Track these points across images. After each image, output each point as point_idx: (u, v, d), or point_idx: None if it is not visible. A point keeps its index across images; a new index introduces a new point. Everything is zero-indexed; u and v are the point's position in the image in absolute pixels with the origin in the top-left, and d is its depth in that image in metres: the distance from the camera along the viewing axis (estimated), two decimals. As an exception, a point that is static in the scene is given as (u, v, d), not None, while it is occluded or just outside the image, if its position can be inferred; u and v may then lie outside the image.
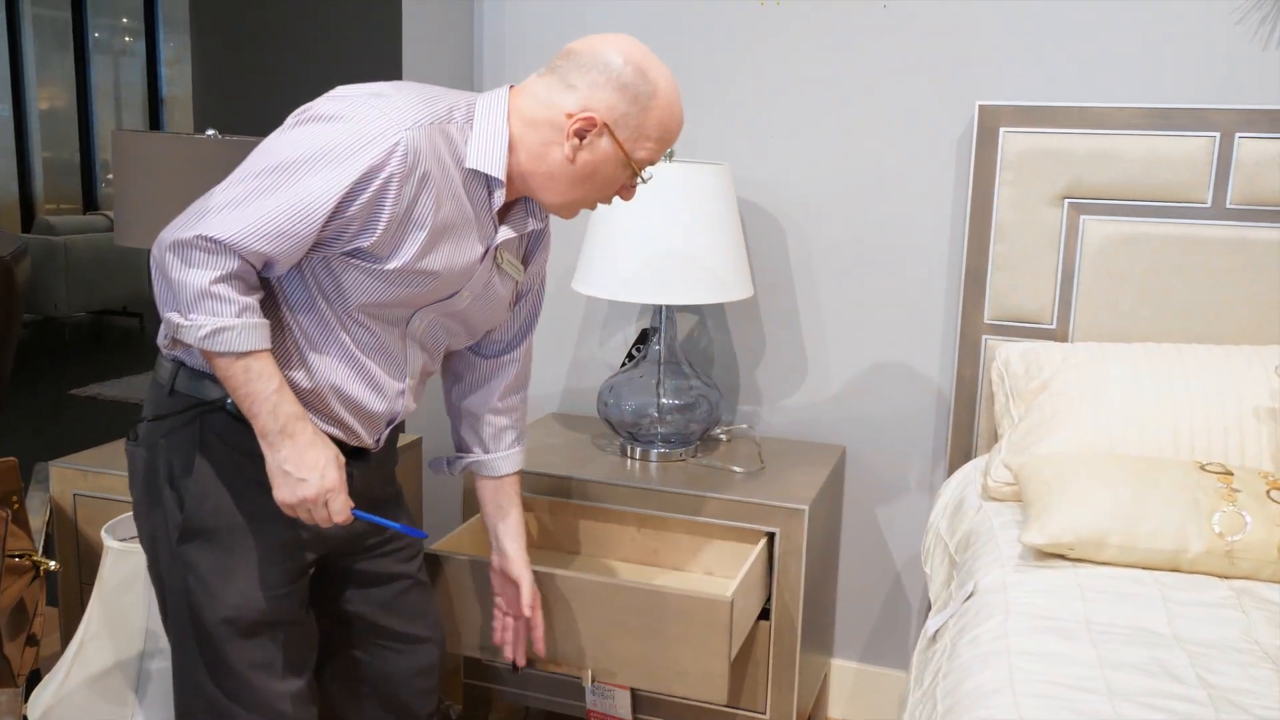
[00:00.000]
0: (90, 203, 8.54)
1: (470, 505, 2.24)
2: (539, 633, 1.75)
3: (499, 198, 1.43)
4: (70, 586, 2.23)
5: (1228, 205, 2.08)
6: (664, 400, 2.27)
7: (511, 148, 1.41)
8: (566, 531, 2.21)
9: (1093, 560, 1.61)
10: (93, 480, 2.18)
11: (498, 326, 1.65)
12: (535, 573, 1.78)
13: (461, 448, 1.74)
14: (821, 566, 2.29)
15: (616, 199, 1.58)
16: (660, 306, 2.28)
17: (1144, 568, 1.59)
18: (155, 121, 8.70)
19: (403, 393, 1.51)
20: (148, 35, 8.26)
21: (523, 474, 2.20)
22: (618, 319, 2.62)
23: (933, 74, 2.30)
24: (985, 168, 2.22)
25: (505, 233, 1.48)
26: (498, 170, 1.40)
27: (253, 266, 1.32)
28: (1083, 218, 2.17)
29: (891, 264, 2.39)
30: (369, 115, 1.30)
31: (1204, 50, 2.12)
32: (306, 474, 1.35)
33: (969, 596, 1.60)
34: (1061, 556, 1.63)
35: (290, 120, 1.34)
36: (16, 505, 1.27)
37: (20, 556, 1.27)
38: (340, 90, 1.36)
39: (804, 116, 2.40)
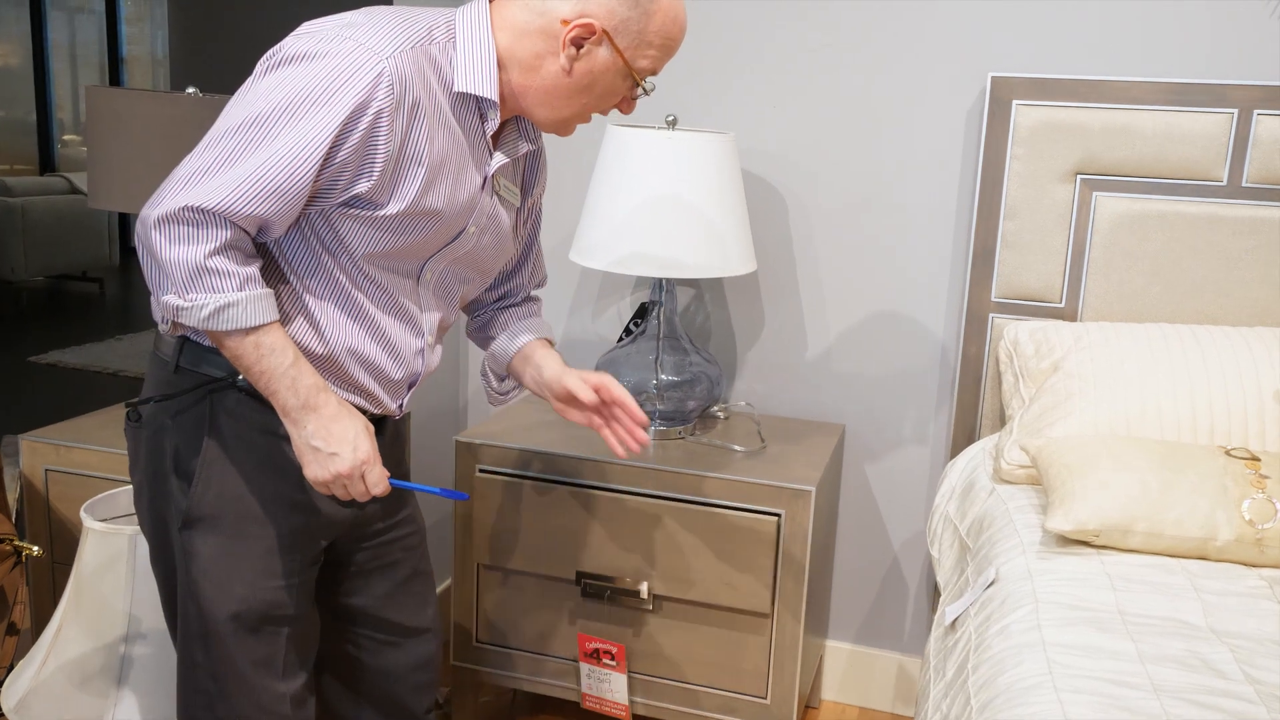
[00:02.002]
0: (47, 164, 8.27)
1: (464, 487, 2.17)
2: (632, 408, 1.54)
3: (493, 122, 1.33)
4: (42, 567, 2.13)
5: (1244, 184, 2.04)
6: (663, 376, 2.20)
7: (501, 64, 1.30)
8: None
9: (1118, 547, 1.57)
10: (65, 455, 2.07)
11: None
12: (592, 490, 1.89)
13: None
14: (821, 548, 2.24)
15: (615, 111, 1.44)
16: (660, 280, 2.21)
17: (1171, 555, 1.55)
18: (115, 81, 8.45)
19: (421, 351, 1.42)
20: (107, -9, 8.00)
21: (513, 451, 2.13)
22: (613, 292, 2.55)
23: (944, 44, 2.23)
24: (996, 141, 2.16)
25: (500, 158, 1.38)
26: (490, 91, 1.29)
27: (247, 233, 1.22)
28: (1095, 194, 2.11)
29: (897, 239, 2.33)
30: (344, 49, 1.20)
31: (1223, 25, 2.06)
32: (337, 447, 1.27)
33: (990, 584, 1.55)
34: (1085, 543, 1.59)
35: (260, 67, 1.23)
36: (-5, 489, 1.18)
37: (1, 541, 1.18)
38: (307, 26, 1.25)
39: (810, 86, 2.33)
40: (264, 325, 1.22)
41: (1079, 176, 2.12)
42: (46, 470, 2.08)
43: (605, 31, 1.27)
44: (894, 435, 2.41)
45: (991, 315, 2.22)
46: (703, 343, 2.49)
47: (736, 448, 2.19)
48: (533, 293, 1.67)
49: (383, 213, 1.26)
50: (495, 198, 1.40)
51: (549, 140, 2.49)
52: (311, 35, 1.22)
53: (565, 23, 1.27)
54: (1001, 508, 1.80)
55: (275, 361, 1.23)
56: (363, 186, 1.23)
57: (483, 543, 2.18)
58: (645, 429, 1.65)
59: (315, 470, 1.28)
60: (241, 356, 1.23)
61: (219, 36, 2.38)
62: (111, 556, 1.57)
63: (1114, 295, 2.13)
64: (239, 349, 1.22)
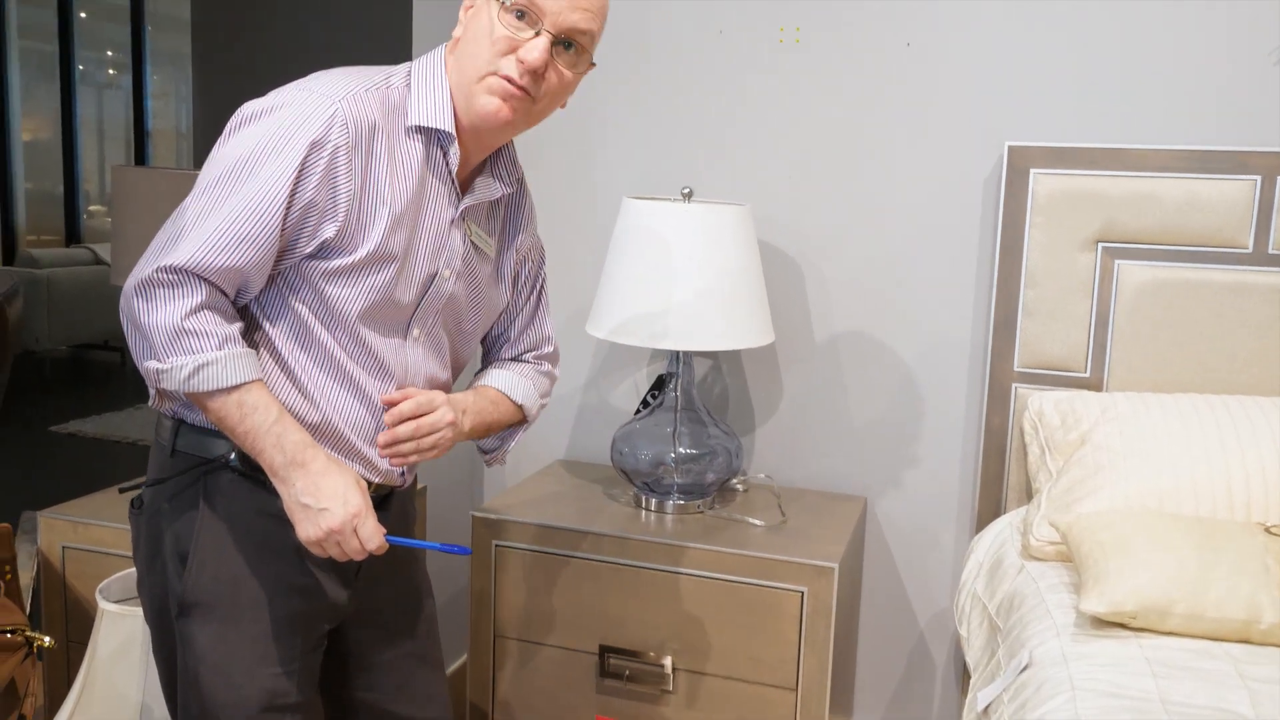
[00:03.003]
0: (73, 235, 8.41)
1: (481, 562, 2.13)
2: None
3: (454, 155, 1.32)
4: (56, 647, 2.10)
5: (1270, 250, 2.01)
6: (680, 449, 2.17)
7: (454, 98, 1.31)
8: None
9: (1155, 630, 1.51)
10: (83, 532, 2.05)
11: (496, 324, 1.54)
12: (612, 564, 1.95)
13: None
14: (845, 625, 2.18)
15: (521, 62, 1.29)
16: (677, 352, 2.19)
17: (1212, 638, 1.49)
18: (140, 155, 8.60)
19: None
20: (134, 69, 8.19)
21: (531, 526, 2.10)
22: (630, 363, 2.53)
23: (959, 113, 2.23)
24: (1015, 210, 2.14)
25: (470, 200, 1.36)
26: (445, 122, 1.30)
27: (224, 294, 1.22)
28: (1117, 262, 2.09)
29: (916, 309, 2.31)
30: (299, 98, 1.23)
31: (1243, 91, 2.05)
32: (328, 502, 1.24)
33: (1024, 668, 1.50)
34: (1122, 625, 1.53)
35: (225, 131, 1.26)
36: (9, 575, 1.16)
37: (12, 632, 1.16)
38: (272, 91, 1.28)
39: (826, 156, 2.32)
40: (246, 384, 1.21)
41: (1100, 244, 2.10)
42: (64, 548, 2.06)
43: None
44: (917, 508, 2.36)
45: (1015, 385, 2.19)
46: (720, 414, 2.46)
47: (757, 522, 2.14)
48: (544, 365, 1.61)
49: (354, 258, 1.26)
50: (468, 242, 1.38)
51: (563, 211, 2.49)
52: (272, 94, 1.25)
53: (465, 8, 1.31)
54: (1032, 586, 1.75)
55: (259, 419, 1.22)
56: (329, 230, 1.24)
57: (500, 616, 2.14)
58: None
59: (307, 529, 1.25)
60: (225, 418, 1.22)
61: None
62: (125, 640, 1.54)
63: (1141, 364, 2.09)
64: (222, 410, 1.21)
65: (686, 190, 2.13)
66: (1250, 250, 2.02)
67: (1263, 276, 2.01)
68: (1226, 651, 1.46)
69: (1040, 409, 2.09)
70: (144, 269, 1.20)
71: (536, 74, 1.27)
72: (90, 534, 2.05)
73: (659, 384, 2.30)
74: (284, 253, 1.25)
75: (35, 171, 8.70)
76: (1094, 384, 2.13)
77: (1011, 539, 1.97)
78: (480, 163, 1.39)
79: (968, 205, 2.25)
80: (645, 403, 2.32)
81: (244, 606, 1.31)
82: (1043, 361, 2.16)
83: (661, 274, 2.05)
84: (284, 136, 1.21)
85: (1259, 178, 2.00)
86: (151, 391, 1.27)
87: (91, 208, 8.65)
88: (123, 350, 6.79)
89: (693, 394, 2.22)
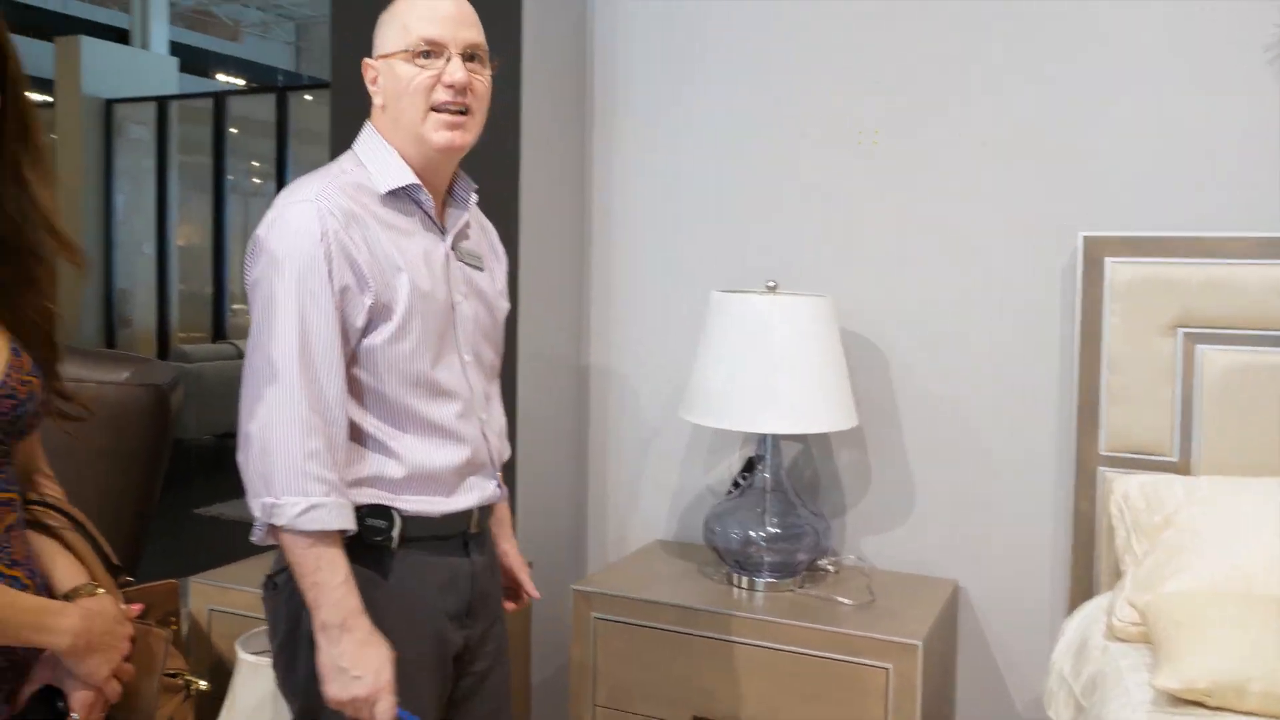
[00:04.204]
0: (219, 332, 9.04)
1: (580, 633, 2.26)
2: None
3: (428, 200, 1.51)
4: (201, 701, 2.32)
5: (1354, 335, 2.03)
6: (770, 529, 2.27)
7: (403, 154, 1.49)
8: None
9: (1233, 709, 1.53)
10: (226, 596, 2.29)
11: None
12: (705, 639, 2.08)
13: None
14: (937, 707, 2.22)
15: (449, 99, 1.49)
16: (765, 435, 2.30)
17: (1288, 717, 1.51)
18: (282, 256, 9.20)
19: (485, 434, 1.55)
20: (278, 178, 8.84)
21: (628, 600, 2.22)
22: (722, 447, 2.65)
23: (1034, 205, 2.32)
24: (1092, 298, 2.21)
25: (452, 231, 1.55)
26: (407, 178, 1.48)
27: (333, 427, 1.39)
28: (1199, 347, 2.13)
29: (1000, 394, 2.38)
30: (278, 226, 1.41)
31: (1318, 180, 2.10)
32: (363, 671, 1.36)
33: (1096, 742, 1.54)
34: (1199, 704, 1.56)
35: (248, 285, 1.45)
36: (175, 626, 1.34)
37: (175, 675, 1.34)
38: (256, 233, 1.47)
39: (905, 248, 2.44)
40: (333, 535, 1.37)
41: (1180, 330, 2.14)
42: (210, 609, 2.30)
43: (376, 61, 1.50)
44: (1009, 591, 2.39)
45: (1101, 469, 2.22)
46: (811, 496, 2.55)
47: (845, 600, 2.22)
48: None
49: (398, 315, 1.43)
50: (462, 265, 1.56)
51: (656, 302, 2.66)
52: (254, 245, 1.44)
53: (372, 82, 1.52)
54: (1113, 666, 1.78)
55: (329, 576, 1.36)
56: (369, 296, 1.41)
57: (599, 687, 2.25)
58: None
59: (336, 690, 1.36)
60: (301, 563, 1.37)
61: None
62: (263, 692, 1.72)
63: (1228, 448, 2.11)
64: (302, 556, 1.36)
65: (772, 283, 2.27)
66: (1334, 334, 2.04)
67: (1347, 360, 2.02)
68: (1302, 728, 1.47)
69: (1126, 492, 2.12)
70: (261, 415, 1.38)
71: (465, 88, 1.46)
72: (232, 597, 2.28)
73: (749, 466, 2.42)
74: (346, 341, 1.42)
75: (188, 274, 9.41)
76: (1180, 468, 2.15)
77: (1097, 620, 1.99)
78: (444, 196, 1.58)
79: (1047, 294, 2.32)
80: (736, 484, 2.44)
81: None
82: (1128, 445, 2.20)
83: (749, 362, 2.19)
84: (286, 255, 1.39)
85: (1338, 263, 2.03)
86: (259, 528, 1.41)
87: (235, 306, 9.28)
88: (261, 439, 7.22)
89: (781, 475, 2.32)
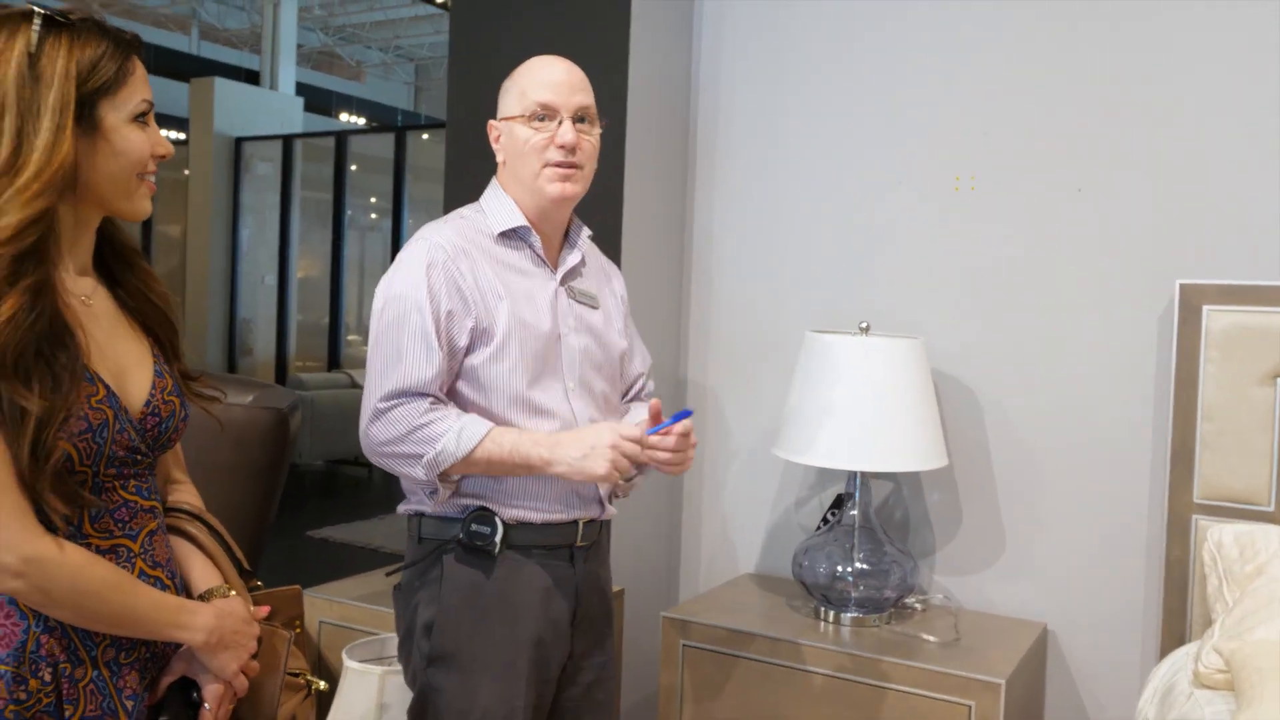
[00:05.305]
0: (334, 361, 9.44)
1: (669, 659, 2.33)
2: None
3: (537, 241, 1.67)
4: (325, 691, 2.48)
5: None
6: (857, 565, 2.32)
7: (519, 204, 1.67)
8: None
9: (1312, 756, 1.52)
10: (337, 609, 2.44)
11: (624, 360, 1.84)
12: (790, 669, 2.17)
13: None
14: (1021, 748, 2.22)
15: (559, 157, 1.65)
16: (855, 473, 2.35)
17: (1371, 768, 1.49)
18: (395, 289, 9.54)
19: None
20: (394, 214, 9.21)
21: (716, 629, 2.28)
22: (814, 482, 2.70)
23: (1130, 253, 2.33)
24: (1189, 346, 2.21)
25: (563, 269, 1.71)
26: (519, 220, 1.65)
27: (435, 397, 1.57)
28: (1298, 397, 2.11)
29: (1092, 440, 2.38)
30: (403, 258, 1.61)
31: None
32: (585, 449, 1.54)
33: (1174, 785, 1.54)
34: (1277, 750, 1.55)
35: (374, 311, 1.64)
36: (299, 629, 1.47)
37: (297, 675, 1.46)
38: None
39: (999, 292, 2.47)
40: (485, 439, 1.54)
41: (1278, 379, 2.13)
42: (321, 622, 2.44)
43: (499, 122, 1.69)
44: (1099, 636, 2.38)
45: (1195, 517, 2.21)
46: (901, 535, 2.58)
47: (930, 638, 2.24)
48: (648, 385, 1.91)
49: (497, 339, 1.59)
50: (574, 301, 1.70)
51: (750, 342, 2.74)
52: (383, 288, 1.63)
53: (495, 140, 1.71)
54: (1197, 713, 1.78)
55: (510, 448, 1.56)
56: (470, 323, 1.58)
57: (686, 712, 2.32)
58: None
59: (595, 468, 1.54)
60: (492, 456, 1.55)
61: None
62: (366, 695, 1.84)
63: (1327, 499, 2.08)
64: (487, 455, 1.55)
65: (864, 325, 2.33)
66: None
67: None
68: (1385, 782, 1.46)
69: (1220, 540, 2.10)
70: (368, 409, 1.57)
71: (574, 148, 1.63)
72: (341, 610, 2.43)
73: (838, 503, 2.47)
74: (451, 355, 1.58)
75: (306, 305, 9.85)
76: (1275, 517, 2.13)
77: (1185, 667, 1.98)
78: (560, 240, 1.73)
79: (1142, 340, 2.33)
80: (825, 520, 2.49)
81: (479, 657, 1.58)
82: (1222, 494, 2.18)
83: (840, 401, 2.25)
84: (410, 281, 1.57)
85: None
86: (438, 490, 1.58)
87: (350, 337, 9.66)
88: (371, 467, 7.51)
89: (870, 513, 2.37)
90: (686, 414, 1.63)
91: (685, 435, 1.63)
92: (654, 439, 1.60)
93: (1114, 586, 2.37)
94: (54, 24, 1.19)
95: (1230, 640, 1.84)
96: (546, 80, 1.64)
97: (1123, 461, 2.35)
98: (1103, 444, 2.37)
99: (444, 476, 1.57)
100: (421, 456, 1.54)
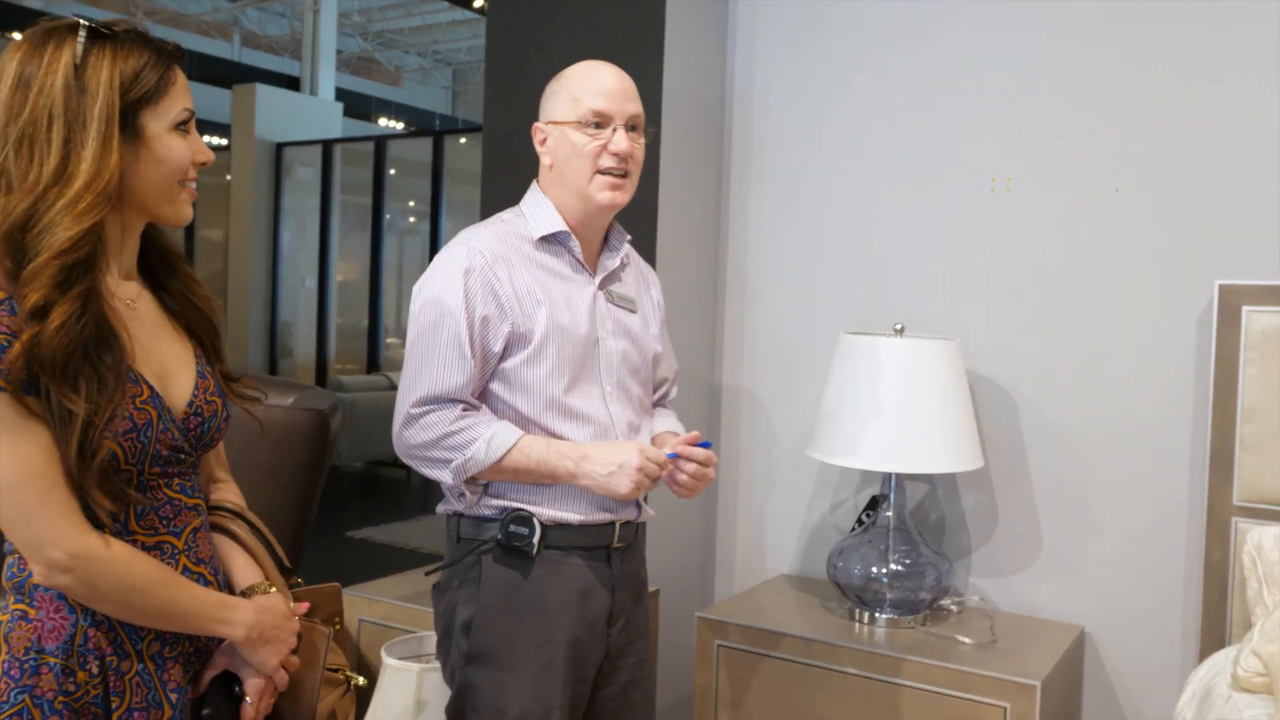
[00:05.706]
0: (373, 363, 9.54)
1: (704, 659, 2.34)
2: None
3: (576, 246, 1.69)
4: (364, 687, 2.52)
5: None
6: (892, 566, 2.31)
7: (559, 209, 1.68)
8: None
9: (1353, 761, 1.51)
10: (377, 608, 2.48)
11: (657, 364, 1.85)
12: (824, 670, 2.17)
13: None
14: (1058, 751, 2.21)
15: (613, 165, 1.67)
16: (890, 474, 2.35)
17: None
18: (433, 292, 9.61)
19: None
20: (432, 217, 9.28)
21: (750, 629, 2.29)
22: (848, 485, 2.70)
23: (1168, 253, 2.31)
24: (1228, 347, 2.19)
25: (601, 274, 1.72)
26: (559, 225, 1.67)
27: (467, 403, 1.60)
28: (1341, 398, 2.08)
29: (1130, 441, 2.36)
30: (440, 260, 1.63)
31: None
32: (616, 461, 1.58)
33: (1211, 789, 1.53)
34: (1317, 754, 1.54)
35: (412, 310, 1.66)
36: (338, 626, 1.49)
37: (336, 671, 1.49)
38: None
39: (1035, 294, 2.46)
40: (514, 447, 1.57)
41: (1320, 380, 2.10)
42: (359, 620, 2.49)
43: (545, 125, 1.69)
44: (1137, 639, 2.36)
45: (1235, 519, 2.19)
46: (937, 536, 2.57)
47: (965, 640, 2.24)
48: (671, 391, 1.93)
49: (534, 343, 1.60)
50: (612, 305, 1.72)
51: (786, 344, 2.74)
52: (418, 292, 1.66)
53: (541, 143, 1.71)
54: (1236, 716, 1.76)
55: (541, 451, 1.59)
56: (507, 328, 1.60)
57: (720, 712, 2.33)
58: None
59: (620, 485, 1.57)
60: (519, 465, 1.58)
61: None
62: (404, 692, 1.87)
63: (1371, 501, 2.05)
64: (515, 464, 1.58)
65: (899, 326, 2.33)
66: None
67: None
68: None
69: (1259, 543, 2.08)
70: (401, 413, 1.59)
71: (627, 156, 1.66)
72: (380, 609, 2.47)
73: (873, 504, 2.46)
74: (485, 362, 1.61)
75: (345, 308, 9.96)
76: (1319, 520, 2.10)
77: (1224, 670, 1.96)
78: (600, 245, 1.74)
79: (1181, 341, 2.30)
80: (860, 521, 2.48)
81: (517, 656, 1.60)
82: (1263, 496, 2.16)
83: (875, 403, 2.25)
84: (440, 287, 1.60)
85: None
86: (465, 494, 1.61)
87: (389, 340, 9.75)
88: (408, 468, 7.59)
89: (904, 514, 2.36)
90: (707, 445, 1.67)
91: (705, 464, 1.67)
92: (678, 461, 1.65)
93: (1152, 589, 2.34)
94: (98, 36, 1.22)
95: (1270, 643, 1.82)
96: (600, 88, 1.65)
97: (1161, 463, 2.33)
98: (1141, 445, 2.35)
99: (471, 481, 1.60)
100: (450, 462, 1.57)
